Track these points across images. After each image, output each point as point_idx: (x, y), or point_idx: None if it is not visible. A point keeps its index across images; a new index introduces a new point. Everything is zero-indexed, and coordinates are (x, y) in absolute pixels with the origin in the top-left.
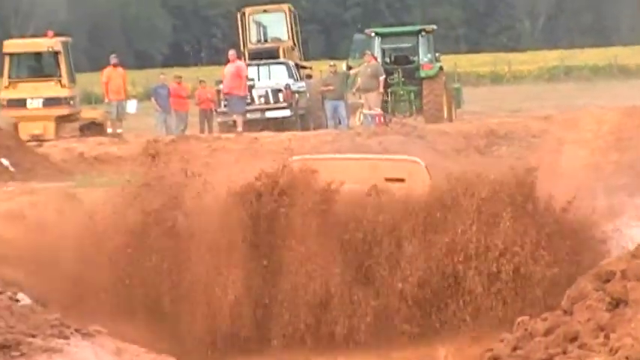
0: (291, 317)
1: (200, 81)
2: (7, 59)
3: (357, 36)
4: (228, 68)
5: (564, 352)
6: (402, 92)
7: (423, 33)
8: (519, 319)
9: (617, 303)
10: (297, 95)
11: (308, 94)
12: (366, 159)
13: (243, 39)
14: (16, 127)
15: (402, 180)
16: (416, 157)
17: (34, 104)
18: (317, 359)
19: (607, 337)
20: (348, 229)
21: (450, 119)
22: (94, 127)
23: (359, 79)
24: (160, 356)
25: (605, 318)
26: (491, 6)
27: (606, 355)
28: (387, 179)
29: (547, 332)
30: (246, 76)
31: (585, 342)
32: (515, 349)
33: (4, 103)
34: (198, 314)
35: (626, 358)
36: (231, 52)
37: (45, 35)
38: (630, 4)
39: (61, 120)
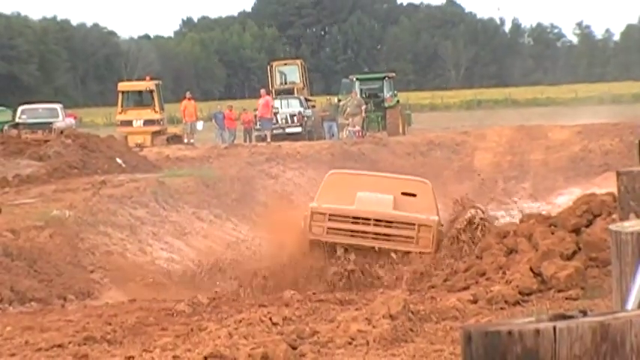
0: None
1: (244, 109)
2: (120, 95)
3: (344, 80)
4: (261, 101)
5: (477, 283)
6: (373, 116)
7: (387, 78)
8: (447, 262)
9: (510, 251)
10: (305, 118)
11: (313, 118)
12: (388, 177)
13: (271, 82)
14: (126, 138)
15: (414, 195)
16: (423, 176)
17: (138, 124)
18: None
19: (504, 273)
20: None
21: (404, 133)
22: (175, 139)
23: (347, 108)
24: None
25: (503, 261)
26: (430, 61)
27: (504, 285)
28: (403, 193)
29: (466, 270)
30: (272, 106)
31: (490, 276)
32: (445, 280)
33: (119, 123)
34: None
35: (517, 286)
36: (263, 90)
37: (144, 79)
38: (520, 60)
39: (154, 134)
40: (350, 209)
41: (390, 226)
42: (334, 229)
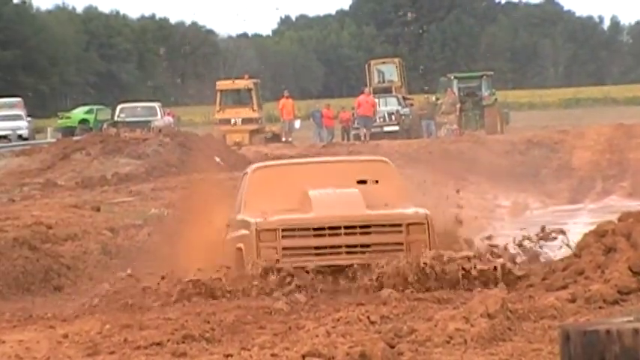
0: None
1: (342, 107)
2: (218, 94)
3: (442, 78)
4: (362, 98)
5: (575, 282)
6: (471, 115)
7: (485, 76)
8: (545, 260)
9: (609, 250)
10: (403, 117)
11: (410, 116)
12: (335, 162)
13: (369, 80)
14: (224, 137)
15: (375, 182)
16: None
17: (236, 122)
18: None
19: (603, 272)
20: None
21: (502, 132)
22: (274, 137)
23: (444, 106)
24: None
25: (602, 260)
26: (528, 59)
27: (602, 284)
28: (359, 181)
29: (564, 269)
30: (374, 105)
31: (588, 275)
32: (543, 279)
33: (217, 121)
34: None
35: (615, 285)
36: (366, 89)
37: (243, 78)
38: (619, 59)
39: (253, 132)
40: (309, 217)
41: (369, 232)
42: (292, 248)
